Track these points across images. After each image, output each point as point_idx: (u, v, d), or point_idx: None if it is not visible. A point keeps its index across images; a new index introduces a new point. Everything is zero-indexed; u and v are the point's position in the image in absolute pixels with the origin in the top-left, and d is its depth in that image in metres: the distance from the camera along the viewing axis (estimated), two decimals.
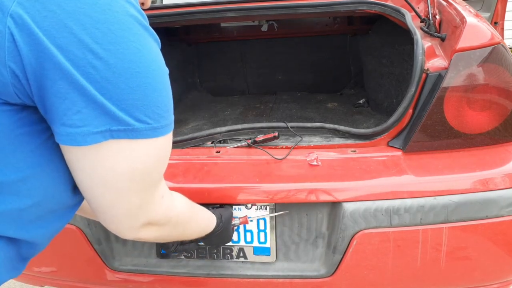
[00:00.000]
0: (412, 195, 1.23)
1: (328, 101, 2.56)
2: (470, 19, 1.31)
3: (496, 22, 2.98)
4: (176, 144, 1.47)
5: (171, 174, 1.36)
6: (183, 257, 1.41)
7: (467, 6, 1.52)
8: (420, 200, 1.22)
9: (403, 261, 1.27)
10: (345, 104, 2.46)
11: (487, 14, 2.96)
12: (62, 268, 1.50)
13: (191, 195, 1.33)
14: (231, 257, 1.39)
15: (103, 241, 1.42)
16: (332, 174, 1.31)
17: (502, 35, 3.09)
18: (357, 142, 1.41)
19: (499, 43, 1.26)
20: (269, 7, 1.82)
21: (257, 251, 1.38)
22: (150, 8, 2.07)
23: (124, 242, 1.46)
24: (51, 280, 1.56)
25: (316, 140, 1.46)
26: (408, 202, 1.23)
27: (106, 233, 1.43)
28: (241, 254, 1.39)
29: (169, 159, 1.51)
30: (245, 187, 1.31)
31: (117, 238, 1.46)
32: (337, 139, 1.46)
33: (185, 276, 1.40)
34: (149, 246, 1.45)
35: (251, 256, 1.38)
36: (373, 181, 1.28)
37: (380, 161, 1.34)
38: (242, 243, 1.38)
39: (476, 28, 1.30)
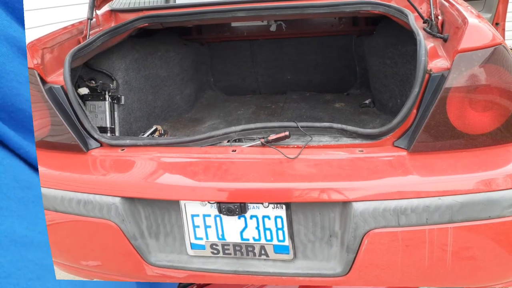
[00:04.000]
0: (418, 195, 1.25)
1: (336, 101, 2.58)
2: (472, 20, 1.32)
3: (497, 23, 2.98)
4: (195, 143, 1.52)
5: (192, 172, 1.40)
6: (211, 254, 1.46)
7: (468, 7, 1.53)
8: (425, 200, 1.24)
9: (412, 260, 1.28)
10: (352, 104, 2.49)
11: (489, 15, 2.96)
12: (106, 262, 1.55)
13: (212, 193, 1.37)
14: (254, 254, 1.43)
15: (138, 237, 1.47)
16: (342, 173, 1.34)
17: (503, 36, 3.09)
18: (364, 142, 1.43)
19: (500, 43, 1.26)
20: (277, 7, 1.86)
21: (277, 249, 1.42)
22: (164, 7, 2.12)
23: (157, 238, 1.51)
24: (98, 274, 1.61)
25: (325, 139, 1.48)
26: (415, 202, 1.24)
27: (140, 229, 1.47)
28: (263, 252, 1.42)
29: (189, 158, 1.53)
30: (263, 186, 1.35)
31: (150, 234, 1.50)
32: (345, 139, 1.48)
33: (215, 273, 1.46)
34: (180, 243, 1.50)
35: (272, 254, 1.42)
36: (381, 181, 1.30)
37: (387, 161, 1.36)
38: (262, 241, 1.42)
39: (477, 29, 1.30)
